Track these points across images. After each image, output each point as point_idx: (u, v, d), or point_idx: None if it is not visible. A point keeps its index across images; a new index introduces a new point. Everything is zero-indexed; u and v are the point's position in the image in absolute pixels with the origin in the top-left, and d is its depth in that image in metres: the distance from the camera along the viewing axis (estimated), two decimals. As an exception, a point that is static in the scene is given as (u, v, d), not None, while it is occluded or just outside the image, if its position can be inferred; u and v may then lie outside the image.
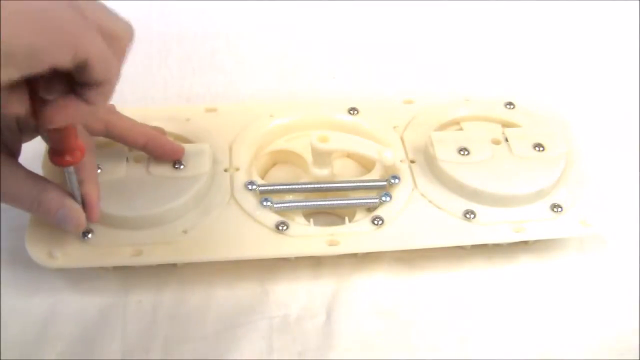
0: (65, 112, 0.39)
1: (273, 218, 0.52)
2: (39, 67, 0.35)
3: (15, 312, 0.50)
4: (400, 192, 0.54)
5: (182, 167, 0.52)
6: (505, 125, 0.59)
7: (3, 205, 0.55)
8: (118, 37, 0.39)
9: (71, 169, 0.45)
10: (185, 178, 0.52)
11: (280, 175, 0.59)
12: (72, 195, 0.46)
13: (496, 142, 0.56)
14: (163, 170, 0.52)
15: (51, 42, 0.35)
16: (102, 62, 0.37)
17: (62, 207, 0.45)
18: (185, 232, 0.51)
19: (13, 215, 0.55)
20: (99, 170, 0.51)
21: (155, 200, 0.51)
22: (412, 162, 0.56)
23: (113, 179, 0.51)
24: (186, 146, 0.55)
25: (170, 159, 0.53)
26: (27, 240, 0.50)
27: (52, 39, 0.35)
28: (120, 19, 0.40)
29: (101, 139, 0.53)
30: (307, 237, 0.51)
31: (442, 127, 0.59)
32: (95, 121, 0.50)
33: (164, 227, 0.51)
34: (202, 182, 0.52)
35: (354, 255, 0.53)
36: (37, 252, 0.49)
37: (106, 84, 0.39)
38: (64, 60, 0.35)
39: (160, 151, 0.52)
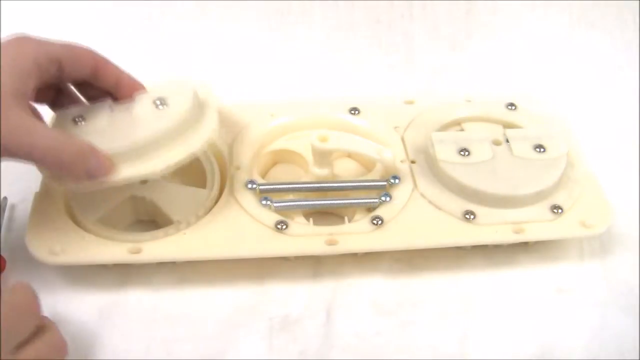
0: None
1: (273, 217, 0.52)
2: None
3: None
4: (400, 192, 0.54)
5: (163, 106, 0.51)
6: (507, 126, 0.59)
7: (3, 203, 0.55)
8: None
9: None
10: (167, 115, 0.50)
11: (280, 174, 0.59)
12: None
13: (497, 143, 0.56)
14: (145, 111, 0.50)
15: None
16: None
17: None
18: (184, 230, 0.51)
19: (13, 214, 0.56)
20: (82, 123, 0.50)
21: (137, 135, 0.49)
22: (413, 162, 0.56)
23: (101, 128, 0.50)
24: (167, 83, 0.53)
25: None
26: (27, 237, 0.50)
27: None
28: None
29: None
30: (306, 237, 0.51)
31: (443, 127, 0.59)
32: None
33: (163, 225, 0.51)
34: (184, 116, 0.50)
35: (354, 255, 0.53)
36: (38, 249, 0.49)
37: None
38: None
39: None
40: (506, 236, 0.52)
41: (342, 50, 0.71)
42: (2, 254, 0.52)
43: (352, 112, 0.60)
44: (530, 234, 0.52)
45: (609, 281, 0.53)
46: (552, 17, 0.72)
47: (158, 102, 0.50)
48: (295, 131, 0.59)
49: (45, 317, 0.43)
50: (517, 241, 0.52)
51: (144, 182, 0.54)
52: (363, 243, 0.51)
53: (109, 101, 0.51)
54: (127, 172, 0.48)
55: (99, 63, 0.50)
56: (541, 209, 0.53)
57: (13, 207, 0.56)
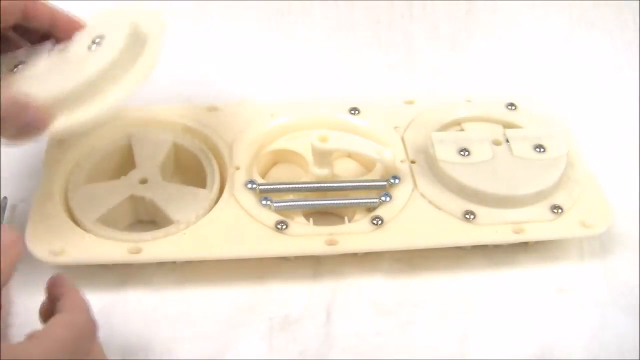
0: None
1: (273, 217, 0.52)
2: None
3: (14, 311, 0.49)
4: (400, 192, 0.54)
5: (97, 46, 0.48)
6: (507, 126, 0.59)
7: (3, 203, 0.55)
8: None
9: None
10: (100, 56, 0.48)
11: (280, 174, 0.59)
12: None
13: (497, 143, 0.56)
14: (79, 53, 0.49)
15: None
16: None
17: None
18: (184, 230, 0.51)
19: (13, 214, 0.56)
20: (21, 67, 0.49)
21: (69, 80, 0.47)
22: (413, 162, 0.56)
23: (37, 73, 0.49)
24: (107, 16, 0.51)
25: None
26: (27, 237, 0.50)
27: None
28: None
29: None
30: (306, 237, 0.51)
31: (444, 127, 0.59)
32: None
33: (163, 225, 0.51)
34: (117, 57, 0.47)
35: (354, 255, 0.53)
36: (38, 249, 0.49)
37: None
38: None
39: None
40: (506, 236, 0.52)
41: (342, 50, 0.71)
42: (2, 254, 0.52)
43: (352, 112, 0.60)
44: (530, 234, 0.52)
45: (609, 281, 0.53)
46: (552, 17, 0.72)
47: (91, 43, 0.48)
48: (295, 131, 0.59)
49: None
50: (517, 241, 0.52)
51: (143, 181, 0.54)
52: (363, 243, 0.51)
53: (48, 44, 0.50)
54: (63, 121, 0.46)
55: (28, 3, 0.47)
56: (541, 209, 0.53)
57: (13, 207, 0.56)
